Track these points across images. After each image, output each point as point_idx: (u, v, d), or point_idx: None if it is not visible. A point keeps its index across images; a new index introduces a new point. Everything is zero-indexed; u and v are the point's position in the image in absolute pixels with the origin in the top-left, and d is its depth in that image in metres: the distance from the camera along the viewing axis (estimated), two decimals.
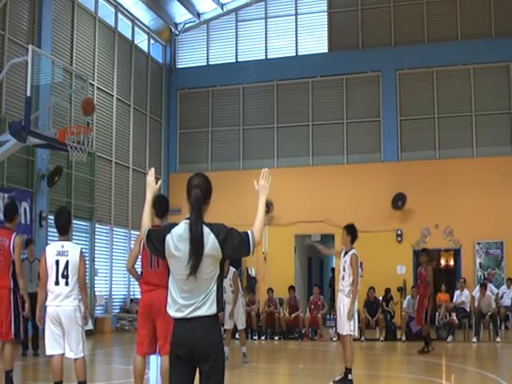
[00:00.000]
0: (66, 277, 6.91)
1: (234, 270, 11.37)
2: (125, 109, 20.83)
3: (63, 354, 6.96)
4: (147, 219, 4.19)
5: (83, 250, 7.33)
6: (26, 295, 7.94)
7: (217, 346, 3.87)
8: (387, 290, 18.12)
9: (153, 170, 4.35)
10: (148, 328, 6.70)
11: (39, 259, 7.20)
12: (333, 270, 21.87)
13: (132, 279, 20.64)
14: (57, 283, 6.90)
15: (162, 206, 6.68)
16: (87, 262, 16.66)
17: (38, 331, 11.05)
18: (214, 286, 3.87)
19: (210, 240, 3.84)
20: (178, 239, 3.88)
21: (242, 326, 11.65)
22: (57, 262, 6.92)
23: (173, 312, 3.89)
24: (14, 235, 7.88)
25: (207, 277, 3.85)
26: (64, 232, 7.14)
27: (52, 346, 6.92)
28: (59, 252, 6.96)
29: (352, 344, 9.08)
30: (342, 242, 9.49)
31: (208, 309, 3.83)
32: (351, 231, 9.28)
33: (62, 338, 6.91)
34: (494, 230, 19.34)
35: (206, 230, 3.86)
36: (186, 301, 3.84)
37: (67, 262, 6.93)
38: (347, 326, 8.95)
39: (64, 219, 7.18)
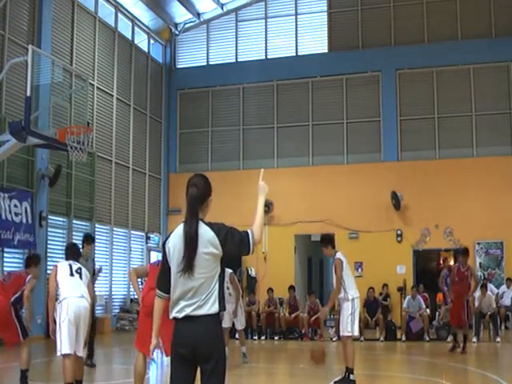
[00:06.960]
0: (79, 274, 7.27)
1: (230, 271, 11.24)
2: (125, 109, 20.83)
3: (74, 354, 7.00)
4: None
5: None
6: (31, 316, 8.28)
7: (219, 345, 3.88)
8: (384, 286, 18.20)
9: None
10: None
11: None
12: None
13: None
14: (71, 275, 7.21)
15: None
16: None
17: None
18: (216, 285, 3.87)
19: (210, 238, 3.85)
20: (175, 240, 3.92)
21: (241, 326, 11.67)
22: (69, 265, 7.37)
23: (174, 312, 3.89)
24: (29, 277, 8.10)
25: (209, 275, 3.86)
26: (73, 259, 7.62)
27: (68, 345, 6.89)
28: (71, 264, 7.42)
29: (352, 344, 9.09)
30: (326, 254, 9.44)
31: (210, 307, 3.84)
32: (326, 242, 9.19)
33: (75, 337, 6.96)
34: (494, 230, 19.34)
35: (205, 228, 3.88)
36: (188, 300, 3.85)
37: (80, 268, 7.40)
38: (345, 327, 8.99)
39: (73, 250, 7.77)
